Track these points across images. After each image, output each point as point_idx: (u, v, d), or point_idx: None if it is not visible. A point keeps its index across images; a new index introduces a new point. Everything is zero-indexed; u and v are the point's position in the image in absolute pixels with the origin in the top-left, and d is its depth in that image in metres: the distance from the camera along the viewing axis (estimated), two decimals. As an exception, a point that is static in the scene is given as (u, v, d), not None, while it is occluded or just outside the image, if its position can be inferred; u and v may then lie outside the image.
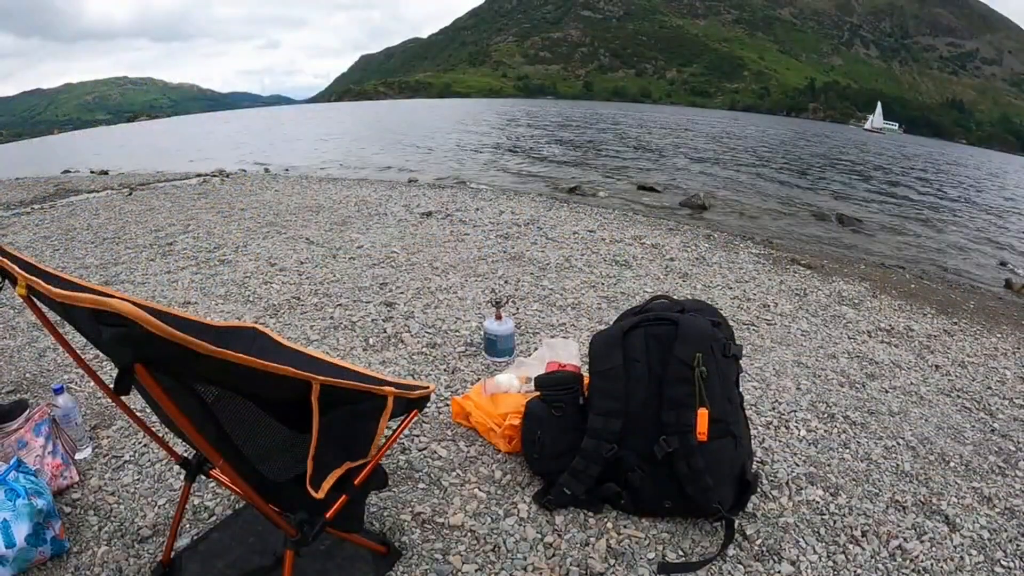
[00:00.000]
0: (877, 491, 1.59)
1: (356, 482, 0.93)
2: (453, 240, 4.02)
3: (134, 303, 0.59)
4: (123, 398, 1.00)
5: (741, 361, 1.72)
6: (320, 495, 0.85)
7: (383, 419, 0.93)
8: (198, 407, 0.71)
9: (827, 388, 2.22)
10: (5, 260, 0.78)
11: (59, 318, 0.78)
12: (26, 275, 0.68)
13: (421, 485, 1.49)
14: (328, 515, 0.86)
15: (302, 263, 3.42)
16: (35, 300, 0.70)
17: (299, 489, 0.90)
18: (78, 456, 1.55)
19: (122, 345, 0.59)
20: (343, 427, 0.88)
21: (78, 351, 0.94)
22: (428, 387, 1.08)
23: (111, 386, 0.99)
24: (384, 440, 1.00)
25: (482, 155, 13.68)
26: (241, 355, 0.66)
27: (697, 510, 1.34)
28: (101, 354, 2.08)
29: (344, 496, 0.93)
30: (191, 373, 0.68)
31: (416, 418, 1.32)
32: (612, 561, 1.27)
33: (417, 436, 1.69)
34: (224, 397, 0.79)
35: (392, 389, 0.94)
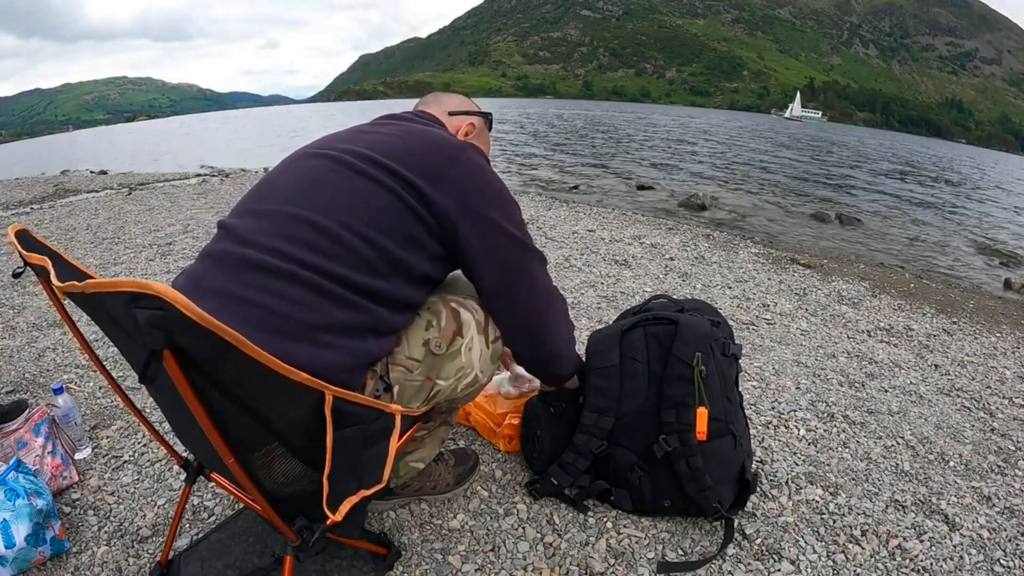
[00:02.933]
0: (877, 490, 1.59)
1: (364, 497, 0.92)
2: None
3: None
4: (125, 393, 1.01)
5: (741, 360, 1.73)
6: (337, 518, 0.85)
7: (393, 440, 0.92)
8: (218, 399, 0.71)
9: (826, 387, 2.22)
10: (35, 256, 0.79)
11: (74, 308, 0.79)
12: (57, 281, 0.71)
13: (421, 485, 1.49)
14: (328, 522, 0.86)
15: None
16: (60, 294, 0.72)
17: (299, 495, 0.89)
18: (78, 456, 1.55)
19: (156, 328, 0.59)
20: (356, 451, 0.87)
21: (88, 349, 0.94)
22: (430, 404, 1.08)
23: (120, 382, 1.00)
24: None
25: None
26: (266, 354, 0.66)
27: (697, 509, 1.35)
28: (103, 354, 2.08)
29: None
30: (215, 368, 0.68)
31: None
32: (612, 561, 1.27)
33: (417, 436, 1.69)
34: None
35: (398, 407, 0.94)
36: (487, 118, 1.33)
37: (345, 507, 0.86)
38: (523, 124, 27.60)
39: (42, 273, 0.77)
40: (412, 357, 1.01)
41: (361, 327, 0.91)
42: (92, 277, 0.72)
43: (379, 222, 0.92)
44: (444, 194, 0.96)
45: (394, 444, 0.92)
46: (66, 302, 0.81)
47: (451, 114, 1.25)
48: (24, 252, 0.81)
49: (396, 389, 0.99)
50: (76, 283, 0.64)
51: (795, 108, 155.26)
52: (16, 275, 0.85)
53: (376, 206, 0.92)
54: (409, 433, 1.06)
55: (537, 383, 1.58)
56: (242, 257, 0.87)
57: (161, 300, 0.57)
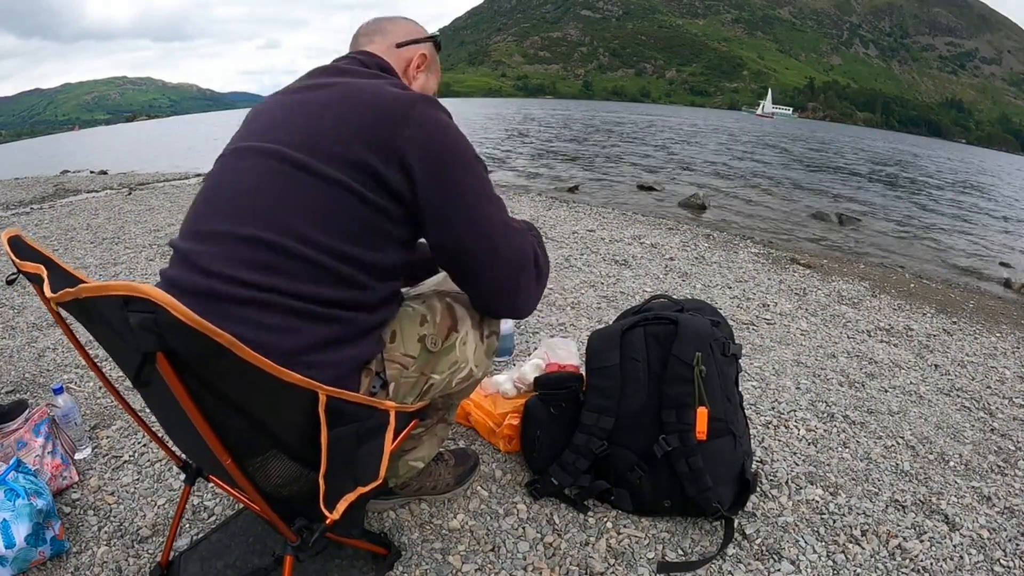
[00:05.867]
0: (877, 490, 1.59)
1: (362, 494, 0.92)
2: (453, 240, 4.01)
3: None
4: (123, 397, 1.01)
5: (741, 360, 1.73)
6: (335, 516, 0.85)
7: (388, 436, 0.92)
8: (213, 402, 0.71)
9: (826, 387, 2.22)
10: (29, 264, 0.77)
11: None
12: (50, 291, 0.69)
13: (421, 485, 1.48)
14: (328, 521, 0.86)
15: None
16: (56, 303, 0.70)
17: (297, 495, 0.89)
18: (78, 456, 1.55)
19: (148, 331, 0.59)
20: (350, 449, 0.87)
21: (85, 354, 0.94)
22: (425, 400, 1.07)
23: (115, 385, 1.00)
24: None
25: (481, 154, 13.67)
26: (258, 355, 0.66)
27: (697, 509, 1.35)
28: (102, 354, 2.08)
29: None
30: (208, 371, 0.68)
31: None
32: (612, 561, 1.27)
33: (417, 436, 1.69)
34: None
35: (393, 404, 0.94)
36: (436, 41, 1.19)
37: (342, 505, 0.86)
38: (523, 123, 27.60)
39: (36, 281, 0.76)
40: (408, 354, 1.01)
41: (343, 338, 0.88)
42: (85, 282, 0.72)
43: (339, 227, 0.85)
44: (399, 168, 0.87)
45: (389, 440, 0.92)
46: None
47: (399, 46, 1.11)
48: (17, 260, 0.79)
49: (392, 386, 0.99)
50: (69, 290, 0.63)
51: (767, 105, 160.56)
52: (9, 282, 0.84)
53: (331, 209, 0.85)
54: (406, 430, 1.06)
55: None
56: (210, 290, 0.82)
57: (152, 302, 0.57)
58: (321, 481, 0.82)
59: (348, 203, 0.85)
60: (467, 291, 1.05)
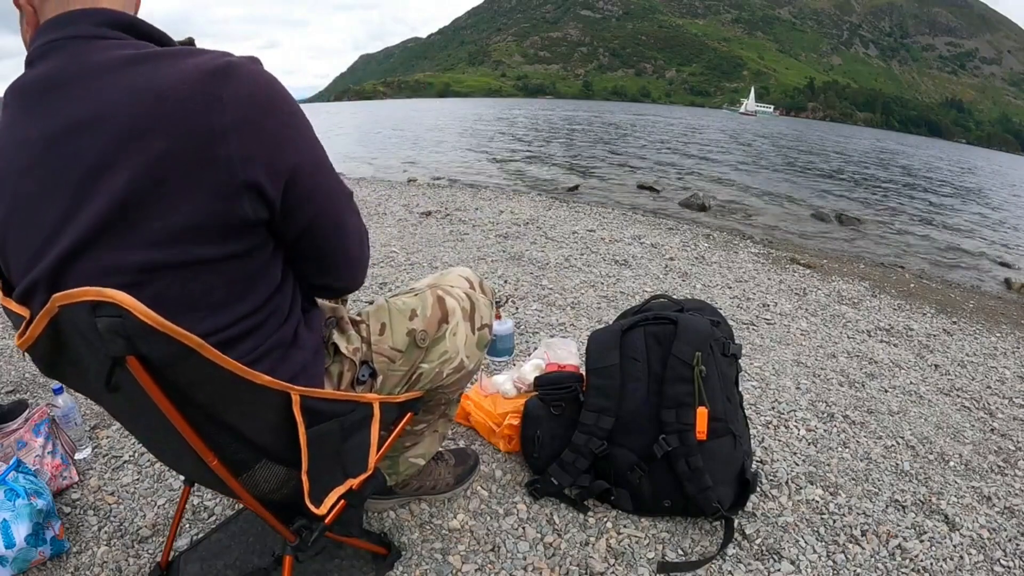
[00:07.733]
0: (877, 490, 1.59)
1: (354, 487, 0.92)
2: (453, 240, 4.02)
3: None
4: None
5: (740, 360, 1.73)
6: (322, 511, 0.85)
7: (373, 428, 0.93)
8: (192, 416, 0.70)
9: (826, 387, 2.22)
10: (13, 303, 0.72)
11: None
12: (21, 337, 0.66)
13: (421, 485, 1.49)
14: (327, 520, 0.86)
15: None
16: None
17: (290, 497, 0.89)
18: (78, 456, 1.55)
19: (117, 335, 0.59)
20: (335, 443, 0.87)
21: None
22: (417, 391, 1.07)
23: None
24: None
25: (482, 155, 13.68)
26: (227, 358, 0.66)
27: (696, 509, 1.35)
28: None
29: (343, 502, 0.92)
30: (180, 377, 0.67)
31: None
32: (612, 561, 1.27)
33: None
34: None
35: (375, 396, 0.94)
36: None
37: (331, 498, 0.86)
38: (524, 124, 27.60)
39: (16, 321, 0.71)
40: (396, 348, 1.01)
41: (261, 353, 0.76)
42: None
43: (218, 301, 0.70)
44: (250, 197, 0.65)
45: (375, 431, 0.93)
46: None
47: None
48: (2, 295, 0.72)
49: (380, 378, 0.99)
50: (41, 314, 0.61)
51: (749, 104, 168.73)
52: None
53: (201, 293, 0.68)
54: (402, 423, 1.06)
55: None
56: None
57: (118, 307, 0.58)
58: (304, 478, 0.82)
59: (215, 275, 0.68)
60: (309, 274, 0.86)
